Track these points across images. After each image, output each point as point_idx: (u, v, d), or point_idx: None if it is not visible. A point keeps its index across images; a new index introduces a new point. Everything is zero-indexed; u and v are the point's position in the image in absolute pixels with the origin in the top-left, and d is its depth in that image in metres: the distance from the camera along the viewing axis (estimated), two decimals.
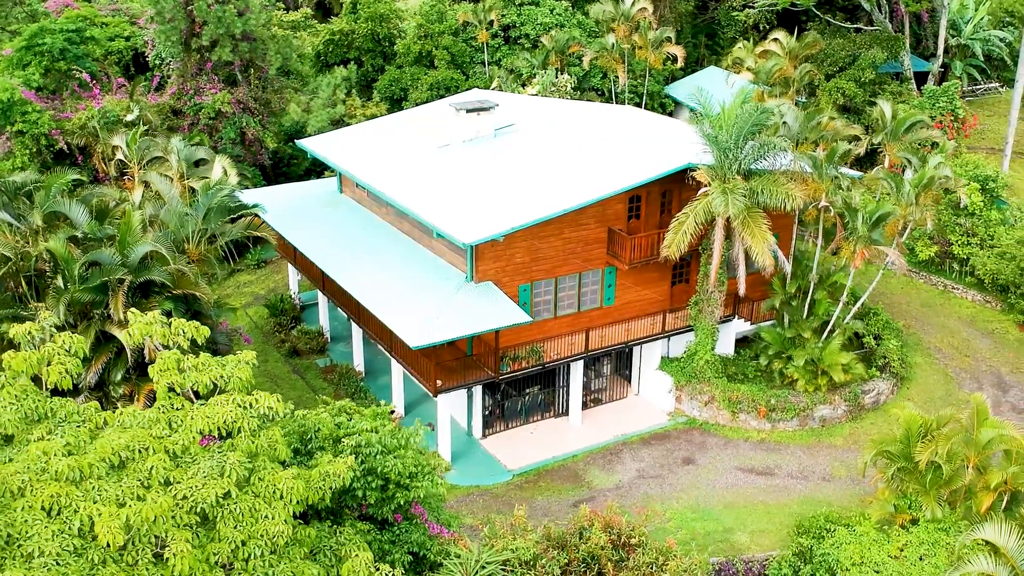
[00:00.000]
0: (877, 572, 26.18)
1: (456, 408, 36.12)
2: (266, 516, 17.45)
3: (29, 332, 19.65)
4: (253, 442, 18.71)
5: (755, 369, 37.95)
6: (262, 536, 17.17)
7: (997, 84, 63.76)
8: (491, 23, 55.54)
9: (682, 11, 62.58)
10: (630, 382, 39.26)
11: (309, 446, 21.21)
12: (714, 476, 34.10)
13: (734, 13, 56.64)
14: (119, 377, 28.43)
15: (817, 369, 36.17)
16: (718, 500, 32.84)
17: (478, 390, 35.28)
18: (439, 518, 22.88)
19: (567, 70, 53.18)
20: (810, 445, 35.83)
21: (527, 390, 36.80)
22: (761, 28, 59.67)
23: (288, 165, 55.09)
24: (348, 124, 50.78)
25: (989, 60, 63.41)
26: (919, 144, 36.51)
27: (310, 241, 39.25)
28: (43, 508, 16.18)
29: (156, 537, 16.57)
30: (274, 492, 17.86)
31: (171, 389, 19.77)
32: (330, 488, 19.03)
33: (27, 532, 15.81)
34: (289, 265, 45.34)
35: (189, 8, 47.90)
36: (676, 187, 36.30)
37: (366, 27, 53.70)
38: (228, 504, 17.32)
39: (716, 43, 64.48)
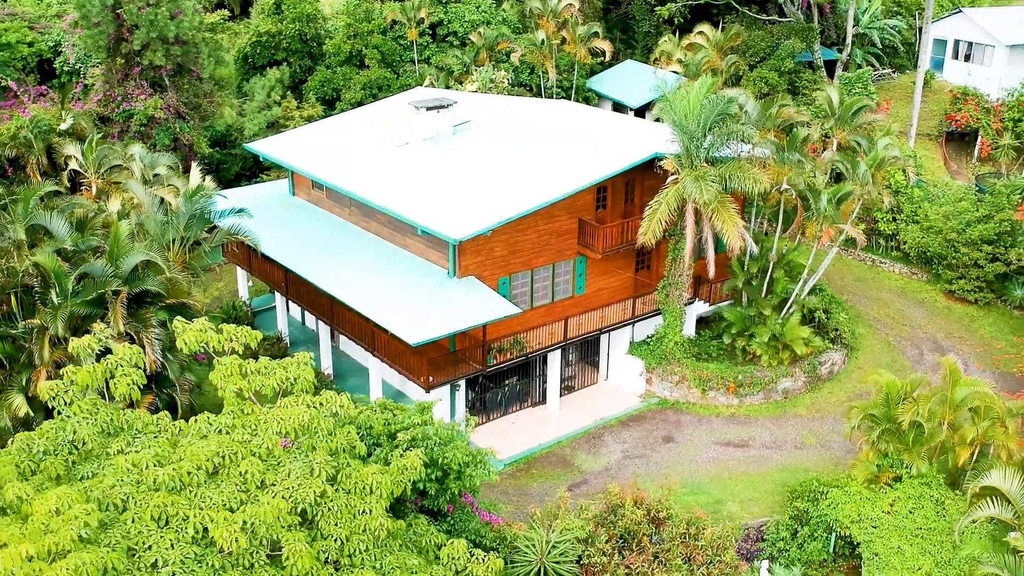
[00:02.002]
0: (875, 527, 28.04)
1: (438, 404, 36.43)
2: (363, 511, 17.71)
3: (88, 345, 19.23)
4: (332, 441, 18.91)
5: (717, 348, 39.66)
6: (364, 531, 17.44)
7: (891, 71, 67.75)
8: (421, 21, 55.78)
9: (597, 6, 64.18)
10: (598, 368, 40.40)
11: (365, 443, 21.43)
12: (695, 452, 35.60)
13: (658, 9, 58.41)
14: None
15: (779, 344, 38.12)
16: (703, 474, 34.33)
17: (460, 384, 35.72)
18: (487, 506, 23.45)
19: (498, 67, 53.93)
20: (777, 416, 37.78)
21: (506, 382, 37.48)
22: (675, 22, 61.76)
23: (218, 170, 54.01)
24: (286, 126, 50.25)
25: (882, 48, 67.30)
26: (862, 127, 38.88)
27: (273, 244, 38.80)
28: (153, 519, 16.06)
29: (267, 539, 16.65)
30: (363, 488, 18.12)
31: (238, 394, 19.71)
32: (409, 481, 19.39)
33: (144, 543, 15.70)
34: (239, 270, 44.61)
35: (117, 11, 46.41)
36: (638, 177, 37.63)
37: (293, 28, 53.13)
38: (325, 502, 17.53)
39: (631, 37, 66.35)
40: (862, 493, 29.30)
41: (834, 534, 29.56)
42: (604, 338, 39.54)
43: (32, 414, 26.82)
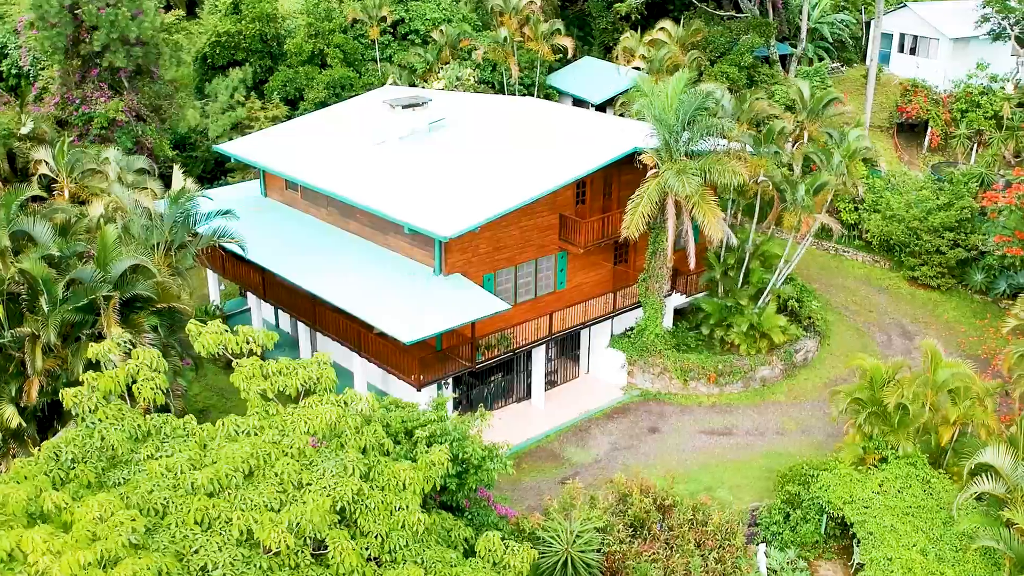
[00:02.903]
0: (867, 507, 28.80)
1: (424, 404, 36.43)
2: (399, 508, 17.74)
3: (108, 351, 18.90)
4: (361, 439, 18.90)
5: (696, 339, 40.27)
6: (402, 527, 17.48)
7: (838, 64, 69.33)
8: (383, 19, 55.51)
9: (555, 3, 64.57)
10: (578, 362, 40.73)
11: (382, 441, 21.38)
12: (681, 441, 36.13)
13: (617, 5, 58.95)
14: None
15: (757, 333, 38.87)
16: (691, 462, 34.85)
17: (448, 382, 35.74)
18: (502, 500, 23.58)
19: (461, 64, 53.93)
20: (757, 404, 38.50)
21: (491, 378, 37.59)
22: (632, 18, 62.42)
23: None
24: (251, 127, 49.65)
25: (831, 42, 68.84)
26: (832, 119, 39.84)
27: (250, 246, 38.32)
28: (196, 522, 15.91)
29: (310, 538, 16.59)
30: (397, 484, 18.15)
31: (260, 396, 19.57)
32: (437, 476, 19.45)
33: (190, 547, 15.54)
34: (209, 273, 44.01)
35: (75, 12, 45.41)
36: (615, 171, 38.03)
37: (254, 28, 52.48)
38: (362, 499, 17.53)
39: (588, 34, 66.84)
40: (852, 475, 30.07)
41: (824, 516, 30.31)
42: (585, 332, 39.88)
43: (24, 424, 26.23)
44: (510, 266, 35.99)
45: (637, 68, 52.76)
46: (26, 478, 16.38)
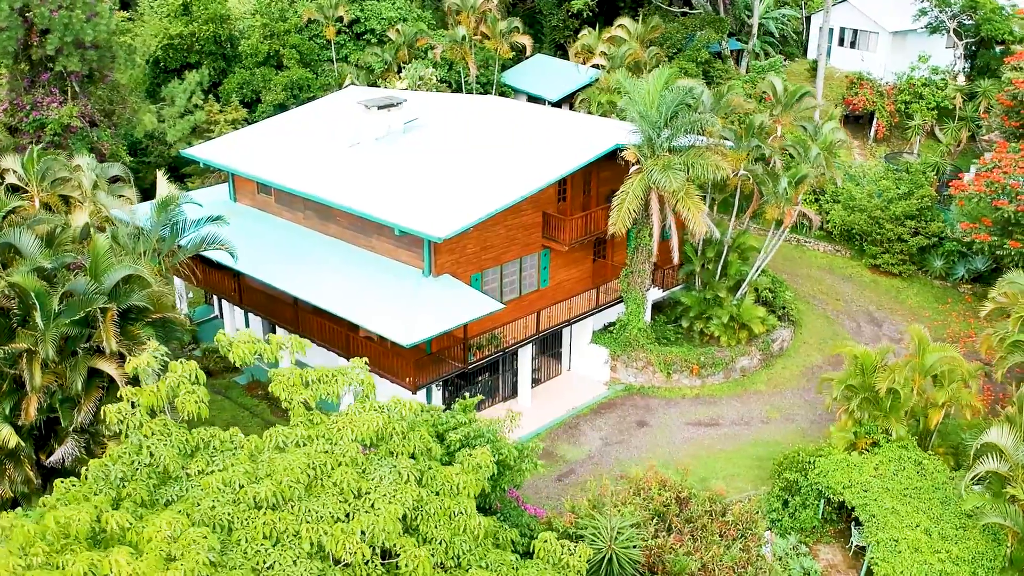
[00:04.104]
0: (866, 491, 29.51)
1: None
2: (458, 512, 17.60)
3: (148, 365, 18.31)
4: (408, 444, 18.71)
5: (675, 332, 40.72)
6: (464, 531, 17.35)
7: (782, 58, 70.80)
8: (340, 19, 54.78)
9: (506, 1, 64.58)
10: (559, 360, 40.85)
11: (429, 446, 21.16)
12: (670, 433, 36.52)
13: (572, 2, 59.18)
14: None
15: (736, 325, 39.49)
16: (683, 454, 35.25)
17: (439, 383, 35.52)
18: (530, 499, 23.53)
19: (422, 63, 53.54)
20: (739, 394, 39.14)
21: (478, 378, 37.46)
22: (584, 16, 62.74)
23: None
24: (210, 131, 48.55)
25: (775, 37, 70.28)
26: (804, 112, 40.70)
27: (224, 253, 37.49)
28: (265, 537, 15.56)
29: (378, 548, 16.35)
30: (451, 489, 18.02)
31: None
32: (485, 479, 19.35)
33: (263, 562, 15.20)
34: (176, 280, 42.91)
35: (26, 15, 43.75)
36: (594, 168, 38.24)
37: (208, 30, 51.29)
38: (422, 505, 17.37)
39: (538, 32, 66.99)
40: (848, 460, 30.76)
41: (822, 501, 30.97)
42: (567, 329, 39.99)
43: (23, 444, 25.27)
44: (496, 265, 35.93)
45: (601, 66, 53.04)
46: (86, 498, 15.77)
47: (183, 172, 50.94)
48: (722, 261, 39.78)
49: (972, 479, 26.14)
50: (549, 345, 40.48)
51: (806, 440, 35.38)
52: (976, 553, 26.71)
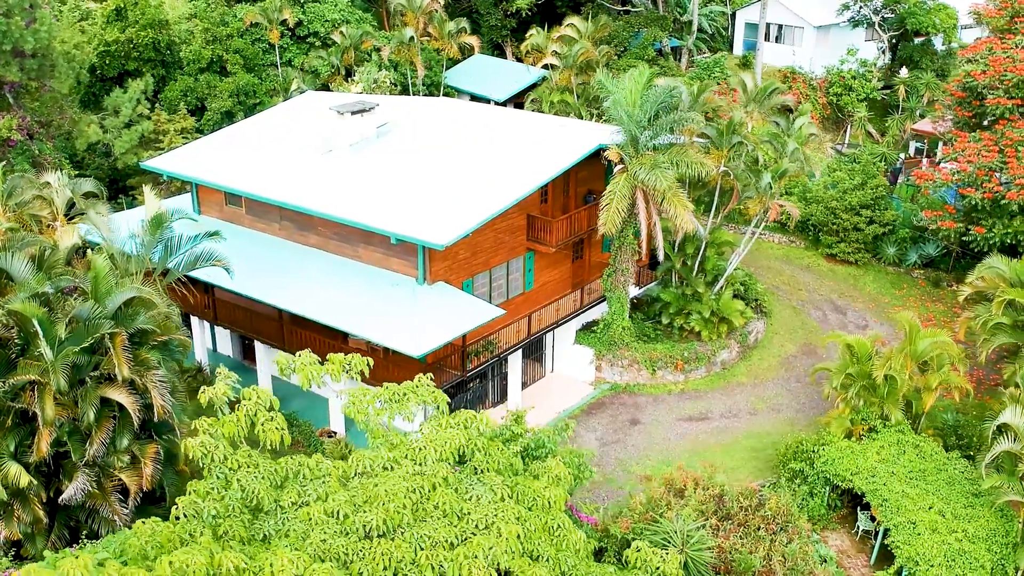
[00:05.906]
0: (874, 476, 30.26)
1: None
2: (557, 527, 17.33)
3: (223, 393, 17.39)
4: (491, 460, 18.35)
5: (654, 328, 41.05)
6: (566, 547, 17.09)
7: (724, 54, 72.15)
8: (284, 22, 53.28)
9: (446, 2, 63.92)
10: (542, 362, 40.69)
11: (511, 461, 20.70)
12: (664, 430, 36.79)
13: (516, 2, 58.98)
14: (125, 444, 25.05)
15: (716, 319, 40.04)
16: (680, 450, 35.55)
17: None
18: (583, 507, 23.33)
19: (370, 65, 52.54)
20: (723, 388, 39.70)
21: (470, 384, 37.00)
22: (523, 15, 62.68)
23: None
24: (160, 141, 46.63)
25: (708, 33, 71.61)
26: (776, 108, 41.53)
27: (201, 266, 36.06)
28: (385, 568, 15.00)
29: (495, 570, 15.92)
30: (543, 503, 17.74)
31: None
32: (566, 490, 19.10)
33: None
34: None
35: None
36: (573, 169, 38.18)
37: (147, 35, 49.20)
38: (524, 523, 17.01)
39: (476, 31, 66.49)
40: (851, 447, 31.51)
41: (827, 489, 31.65)
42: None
43: (35, 482, 23.78)
44: (485, 270, 35.58)
45: (554, 65, 52.98)
46: (192, 537, 14.85)
47: (127, 185, 48.80)
48: (699, 257, 40.24)
49: (992, 460, 27.01)
50: (533, 348, 40.29)
51: (795, 430, 36.11)
52: (990, 531, 27.68)
